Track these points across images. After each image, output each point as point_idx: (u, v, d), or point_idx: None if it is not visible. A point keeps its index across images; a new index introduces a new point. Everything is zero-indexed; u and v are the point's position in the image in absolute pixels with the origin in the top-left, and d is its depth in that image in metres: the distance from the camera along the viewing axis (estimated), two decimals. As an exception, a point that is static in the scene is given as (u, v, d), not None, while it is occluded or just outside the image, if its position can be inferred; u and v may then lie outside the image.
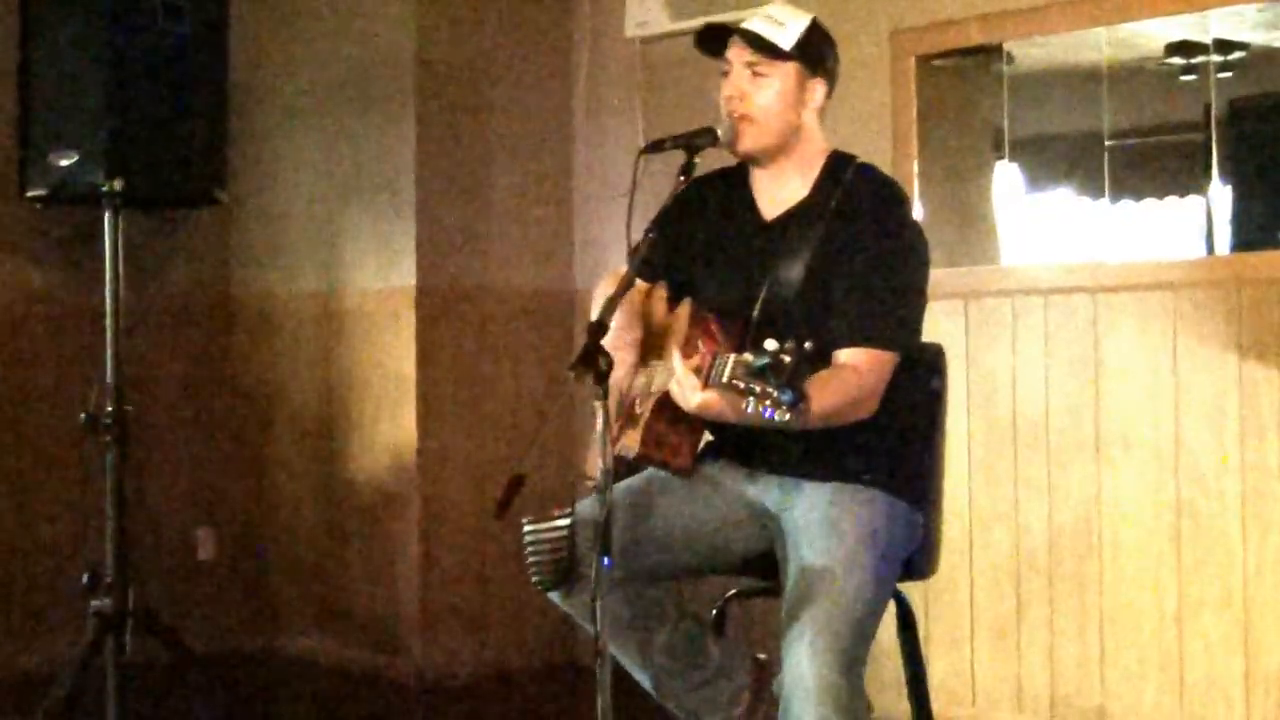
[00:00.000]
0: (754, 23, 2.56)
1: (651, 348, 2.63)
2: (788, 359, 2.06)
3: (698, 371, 2.27)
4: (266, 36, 4.70)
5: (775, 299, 2.50)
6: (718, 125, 2.54)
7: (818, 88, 2.57)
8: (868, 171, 2.60)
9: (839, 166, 2.59)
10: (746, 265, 2.57)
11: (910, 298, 2.52)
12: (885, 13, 3.89)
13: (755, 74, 2.54)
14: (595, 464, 2.23)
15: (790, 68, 2.54)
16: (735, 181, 2.67)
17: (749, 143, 2.56)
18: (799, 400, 2.06)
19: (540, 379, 4.56)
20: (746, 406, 2.11)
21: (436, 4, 4.43)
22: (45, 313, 4.41)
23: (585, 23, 4.63)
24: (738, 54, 2.56)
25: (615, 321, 2.47)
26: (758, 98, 2.53)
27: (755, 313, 2.50)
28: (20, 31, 3.48)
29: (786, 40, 2.53)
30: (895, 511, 2.51)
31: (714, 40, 2.59)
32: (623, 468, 2.54)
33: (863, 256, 2.48)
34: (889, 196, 2.57)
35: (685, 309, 2.58)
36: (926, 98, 3.84)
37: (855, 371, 2.42)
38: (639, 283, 2.69)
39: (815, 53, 2.57)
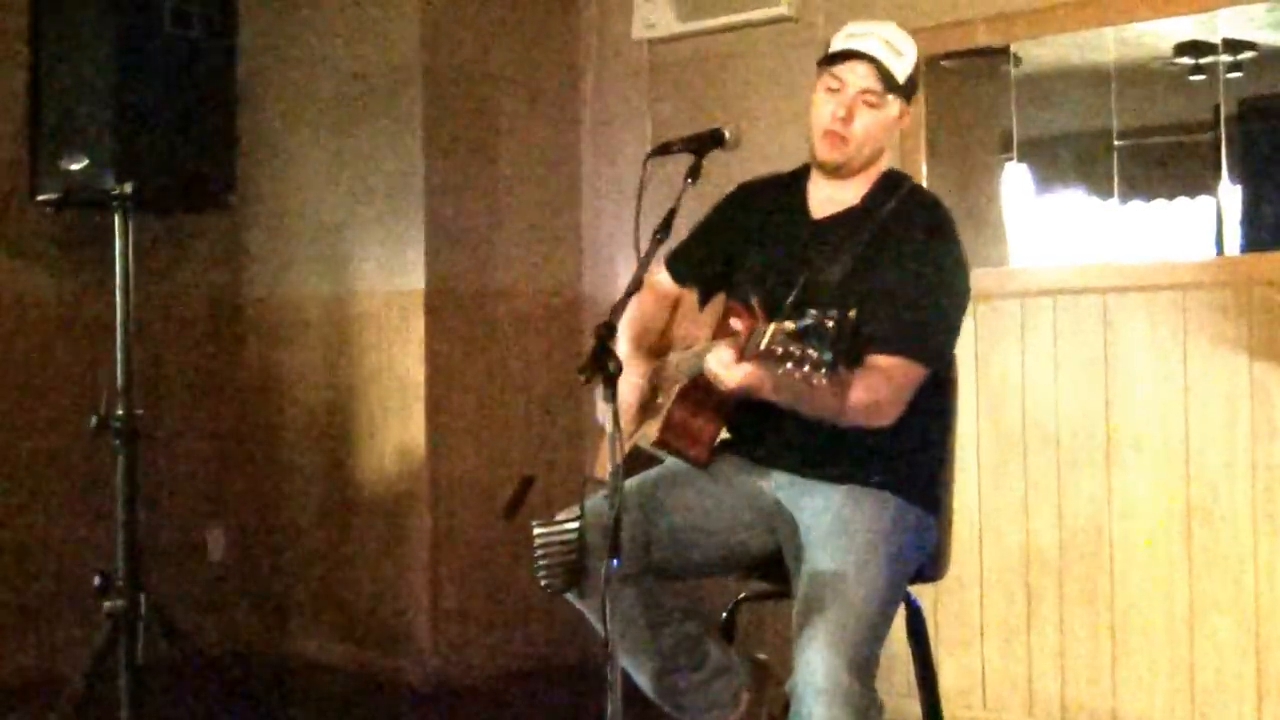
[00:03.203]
0: (875, 46, 2.53)
1: (679, 346, 2.63)
2: (830, 324, 2.04)
3: (734, 350, 2.27)
4: (275, 41, 4.71)
5: (808, 298, 2.49)
6: (725, 127, 2.54)
7: (908, 116, 2.61)
8: (921, 192, 2.63)
9: (894, 182, 2.61)
10: (786, 260, 2.58)
11: (948, 318, 2.53)
12: (893, 13, 3.87)
13: (867, 102, 2.54)
14: (605, 466, 2.23)
15: (897, 100, 2.56)
16: (790, 186, 2.68)
17: (837, 156, 2.57)
18: (838, 363, 2.03)
19: (549, 382, 4.56)
20: (782, 370, 2.09)
21: (444, 8, 4.43)
22: (56, 316, 4.43)
23: (593, 25, 4.63)
24: (857, 78, 2.54)
25: (628, 335, 2.48)
26: (863, 122, 2.54)
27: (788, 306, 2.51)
28: (30, 37, 3.49)
29: (902, 72, 2.54)
30: (907, 514, 2.51)
31: (837, 57, 2.55)
32: (639, 459, 2.54)
33: (906, 269, 2.48)
34: (940, 219, 2.58)
35: (719, 302, 2.58)
36: (935, 99, 3.84)
37: (884, 376, 2.42)
38: (671, 286, 2.72)
39: (916, 84, 2.60)
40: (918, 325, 2.46)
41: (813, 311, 2.06)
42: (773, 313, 2.39)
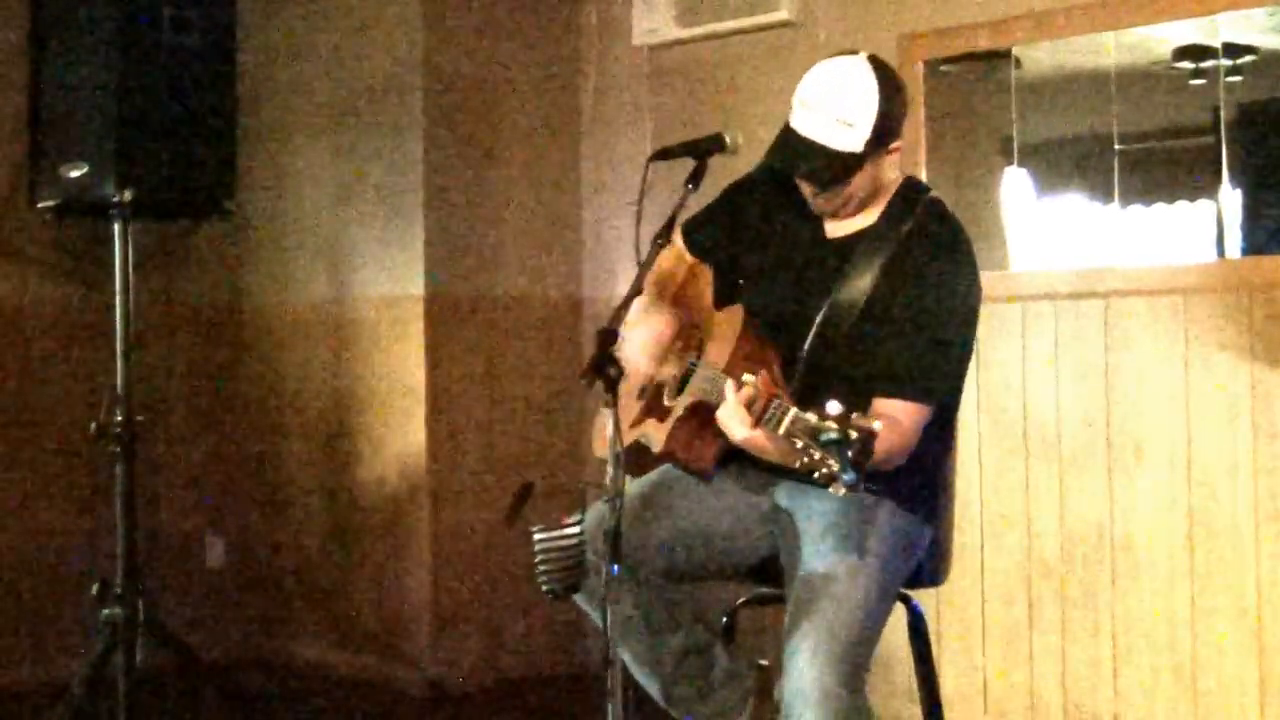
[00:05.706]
0: (821, 127, 2.40)
1: (688, 335, 2.61)
2: (854, 434, 2.03)
3: (749, 406, 2.23)
4: (275, 48, 4.71)
5: (831, 324, 2.46)
6: (725, 132, 2.52)
7: (895, 150, 2.48)
8: (939, 209, 2.53)
9: (911, 195, 2.53)
10: (805, 281, 2.53)
11: (962, 361, 2.49)
12: (893, 18, 3.89)
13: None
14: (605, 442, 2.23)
15: (862, 163, 2.43)
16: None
17: (829, 214, 2.53)
18: (858, 483, 2.04)
19: (549, 387, 4.56)
20: (798, 463, 2.10)
21: (445, 14, 4.43)
22: (55, 323, 4.42)
23: (593, 31, 4.64)
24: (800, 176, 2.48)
25: (647, 306, 2.51)
26: (839, 195, 2.48)
27: (809, 341, 2.46)
28: (30, 45, 3.50)
29: (857, 141, 2.40)
30: (901, 523, 2.50)
31: (775, 152, 2.46)
32: (644, 456, 2.54)
33: (924, 300, 2.42)
34: (955, 242, 2.50)
35: (736, 317, 2.54)
36: (935, 103, 3.84)
37: (894, 426, 2.36)
38: (687, 257, 2.69)
39: (890, 126, 2.44)
40: (928, 367, 2.41)
41: (834, 409, 2.05)
42: (790, 353, 2.39)
